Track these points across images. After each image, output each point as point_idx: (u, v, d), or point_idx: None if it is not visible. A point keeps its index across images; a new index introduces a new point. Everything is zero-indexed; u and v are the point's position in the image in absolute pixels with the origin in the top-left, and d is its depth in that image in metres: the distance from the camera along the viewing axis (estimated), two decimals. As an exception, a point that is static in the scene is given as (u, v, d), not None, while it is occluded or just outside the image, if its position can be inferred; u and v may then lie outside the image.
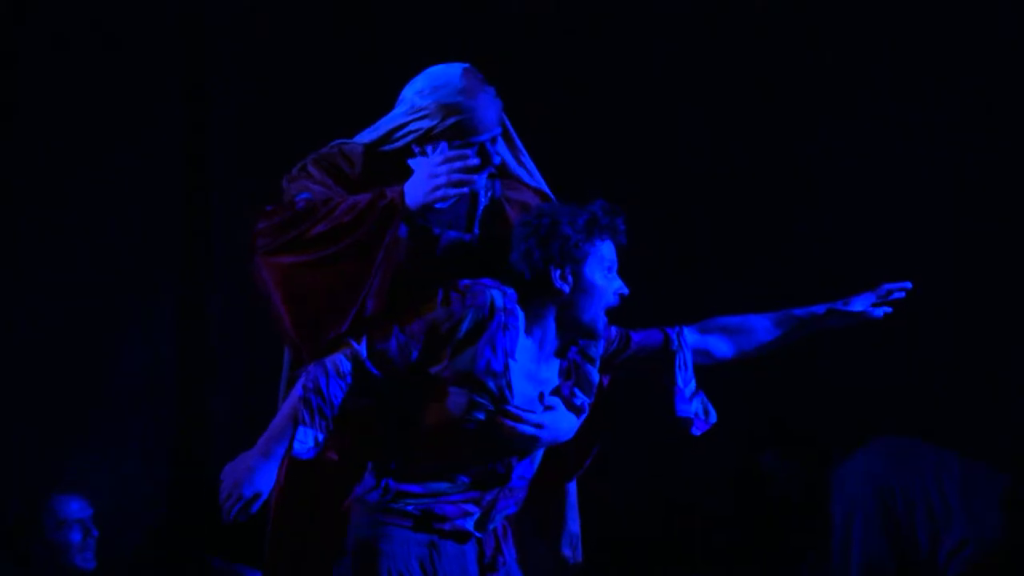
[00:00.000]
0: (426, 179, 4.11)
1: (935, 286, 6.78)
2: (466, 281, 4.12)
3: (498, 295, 4.10)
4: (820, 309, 4.45)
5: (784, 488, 6.53)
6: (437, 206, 4.19)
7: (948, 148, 6.86)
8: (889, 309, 4.45)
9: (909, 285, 4.45)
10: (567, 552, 4.47)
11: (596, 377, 4.24)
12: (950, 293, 6.80)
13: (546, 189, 4.45)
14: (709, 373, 4.41)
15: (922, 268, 6.79)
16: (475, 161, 4.20)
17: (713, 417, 4.36)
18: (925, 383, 6.81)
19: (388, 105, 7.10)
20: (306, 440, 4.01)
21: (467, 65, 4.31)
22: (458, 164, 4.11)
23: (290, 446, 4.02)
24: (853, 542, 6.25)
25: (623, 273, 4.36)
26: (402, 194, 4.11)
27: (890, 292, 4.46)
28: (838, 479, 6.34)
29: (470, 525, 4.16)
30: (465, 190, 4.16)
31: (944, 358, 6.84)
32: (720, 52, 7.12)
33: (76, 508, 6.21)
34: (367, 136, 4.32)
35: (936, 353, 6.84)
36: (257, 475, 4.00)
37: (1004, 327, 6.78)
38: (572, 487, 4.50)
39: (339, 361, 4.05)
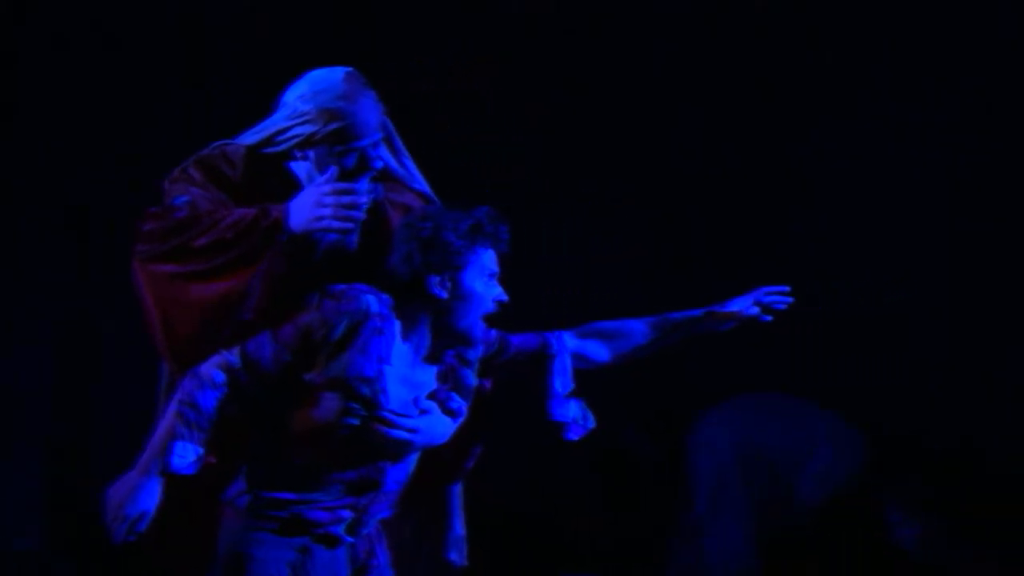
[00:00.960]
0: (311, 207, 4.08)
1: (930, 286, 6.82)
2: (340, 286, 4.08)
3: (373, 300, 4.06)
4: (697, 312, 4.43)
5: (645, 460, 6.58)
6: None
7: (943, 148, 6.87)
8: (769, 317, 4.42)
9: (788, 293, 4.43)
10: (452, 556, 4.45)
11: (473, 381, 4.22)
12: (945, 293, 6.82)
13: (428, 192, 4.43)
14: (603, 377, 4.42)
15: (917, 268, 6.84)
16: (363, 199, 4.17)
17: (591, 422, 4.33)
18: (920, 383, 6.82)
19: (389, 103, 7.11)
20: (186, 455, 4.00)
21: (349, 69, 4.28)
22: (346, 199, 4.09)
23: (163, 462, 4.00)
24: (720, 511, 6.31)
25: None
26: (286, 215, 4.10)
27: (773, 302, 4.43)
28: (697, 443, 6.41)
29: (342, 530, 4.16)
30: (349, 225, 4.13)
31: (939, 358, 6.86)
32: (720, 52, 7.13)
33: None
34: (249, 138, 4.30)
35: (931, 353, 6.86)
36: (141, 494, 4.00)
37: (999, 327, 6.80)
38: (456, 491, 4.47)
39: (212, 372, 4.03)
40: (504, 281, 4.15)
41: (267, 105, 6.92)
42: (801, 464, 6.36)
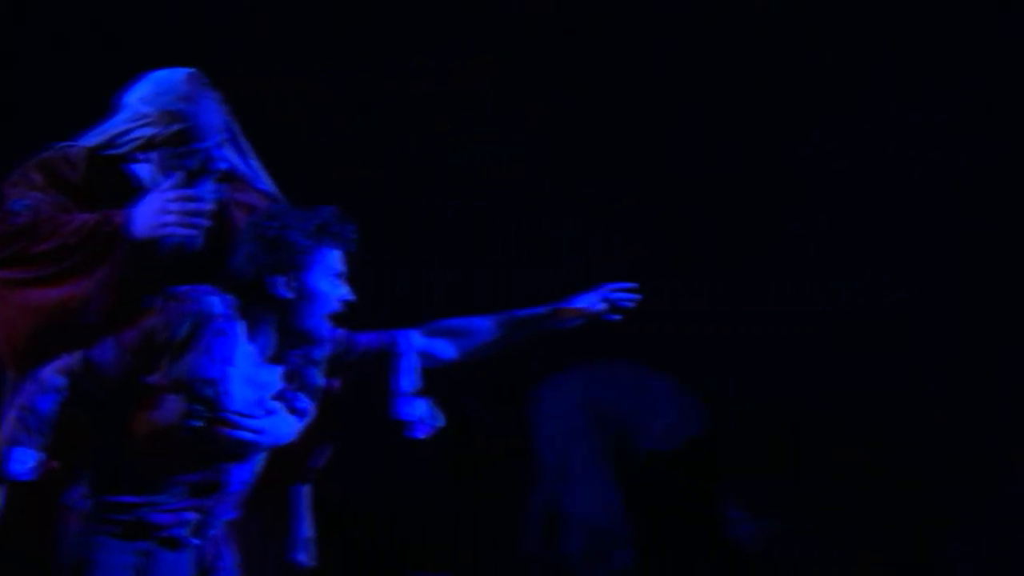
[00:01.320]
0: (155, 213, 4.04)
1: (930, 286, 6.82)
2: (182, 288, 4.04)
3: (215, 301, 4.02)
4: (542, 309, 4.39)
5: (488, 434, 6.62)
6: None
7: (943, 148, 6.88)
8: (617, 316, 4.39)
9: (636, 290, 4.39)
10: (299, 557, 4.38)
11: (319, 380, 4.19)
12: (945, 293, 6.82)
13: (274, 192, 4.38)
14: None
15: (917, 268, 6.85)
16: (207, 206, 4.13)
17: (439, 420, 4.28)
18: (920, 383, 6.83)
19: (389, 103, 7.09)
20: (25, 460, 3.96)
21: (191, 70, 4.27)
22: (190, 206, 4.05)
23: (1, 469, 3.96)
24: (573, 473, 6.36)
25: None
26: (128, 221, 4.05)
27: (619, 300, 4.39)
28: (542, 410, 6.45)
29: (186, 533, 4.12)
30: (193, 232, 4.09)
31: (939, 358, 6.86)
32: (720, 52, 7.14)
33: None
34: (90, 140, 4.26)
35: (931, 353, 6.87)
36: None
37: (999, 327, 6.80)
38: (302, 492, 4.42)
39: (52, 376, 3.99)
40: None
41: (267, 105, 6.97)
42: (646, 422, 6.42)
